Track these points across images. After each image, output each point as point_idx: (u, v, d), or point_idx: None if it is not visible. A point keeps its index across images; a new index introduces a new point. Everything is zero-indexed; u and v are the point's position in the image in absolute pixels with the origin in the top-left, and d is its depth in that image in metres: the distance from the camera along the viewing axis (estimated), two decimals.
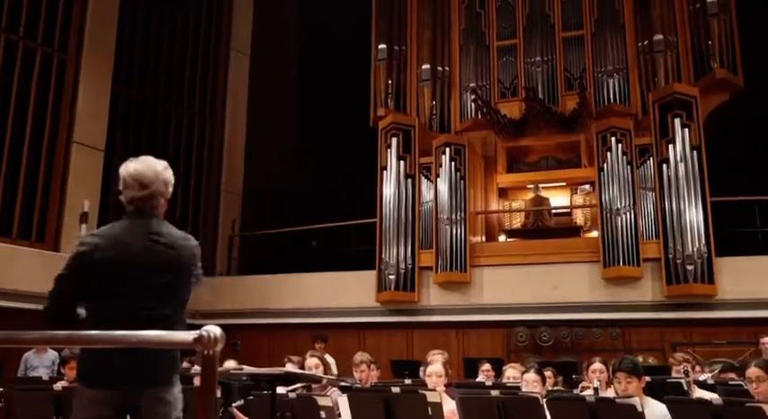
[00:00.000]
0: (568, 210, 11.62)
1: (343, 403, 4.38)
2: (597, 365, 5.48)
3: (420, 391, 4.11)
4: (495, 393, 4.04)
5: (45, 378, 5.88)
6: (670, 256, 9.43)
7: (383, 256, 10.56)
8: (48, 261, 9.22)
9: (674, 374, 5.28)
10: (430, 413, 4.08)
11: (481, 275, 10.38)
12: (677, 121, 9.72)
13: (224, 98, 12.97)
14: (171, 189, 2.88)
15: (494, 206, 11.72)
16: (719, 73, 10.66)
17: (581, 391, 5.68)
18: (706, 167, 9.56)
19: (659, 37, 11.06)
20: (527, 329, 10.03)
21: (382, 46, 12.49)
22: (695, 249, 9.29)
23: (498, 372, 8.37)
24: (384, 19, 12.72)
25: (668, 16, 11.24)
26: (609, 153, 9.99)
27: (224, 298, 11.75)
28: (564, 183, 11.69)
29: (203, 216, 12.47)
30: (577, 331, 9.79)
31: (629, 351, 9.52)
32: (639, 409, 3.61)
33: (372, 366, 6.07)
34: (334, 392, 5.04)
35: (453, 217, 10.42)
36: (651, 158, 9.91)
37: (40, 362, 7.98)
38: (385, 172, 10.96)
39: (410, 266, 10.49)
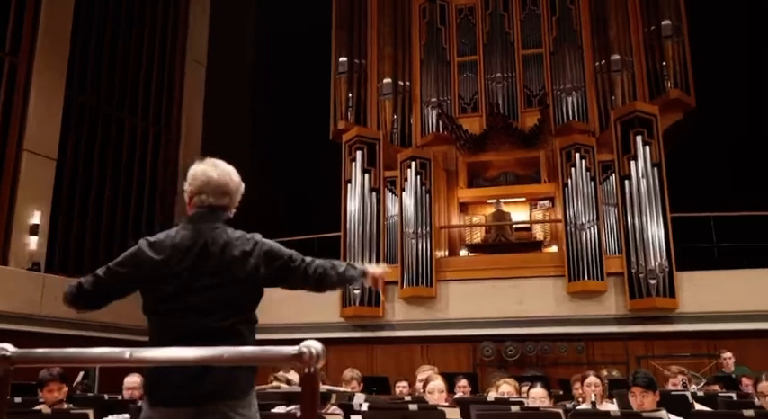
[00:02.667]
0: (528, 225, 11.76)
1: None
2: (592, 378, 5.45)
3: (438, 407, 4.01)
4: (515, 409, 3.97)
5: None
6: (633, 271, 9.62)
7: None
8: None
9: (669, 387, 5.34)
10: None
11: (447, 290, 10.36)
12: (639, 139, 9.98)
13: (179, 108, 12.61)
14: (240, 192, 2.72)
15: (455, 220, 11.74)
16: (673, 93, 11.00)
17: (574, 405, 5.67)
18: (666, 183, 9.83)
19: (616, 57, 11.36)
20: (493, 343, 10.04)
21: (343, 59, 12.41)
22: (657, 264, 9.51)
23: (475, 388, 8.35)
24: (344, 32, 12.65)
25: (624, 37, 11.56)
26: (573, 169, 10.16)
27: None
28: (524, 199, 11.81)
29: (158, 228, 12.00)
30: (543, 345, 9.86)
31: (593, 364, 9.65)
32: None
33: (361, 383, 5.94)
34: (334, 409, 4.88)
35: (419, 231, 10.39)
36: (613, 174, 10.12)
37: None
38: (349, 185, 10.85)
39: None
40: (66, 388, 4.75)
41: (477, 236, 11.76)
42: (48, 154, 10.26)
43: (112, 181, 11.46)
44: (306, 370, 1.75)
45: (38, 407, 4.68)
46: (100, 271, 2.55)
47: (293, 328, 10.50)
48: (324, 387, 4.17)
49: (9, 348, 1.82)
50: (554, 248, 11.16)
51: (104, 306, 2.65)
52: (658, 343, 9.69)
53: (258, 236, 2.59)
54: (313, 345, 1.75)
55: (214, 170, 2.65)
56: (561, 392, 7.51)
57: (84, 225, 11.02)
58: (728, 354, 8.29)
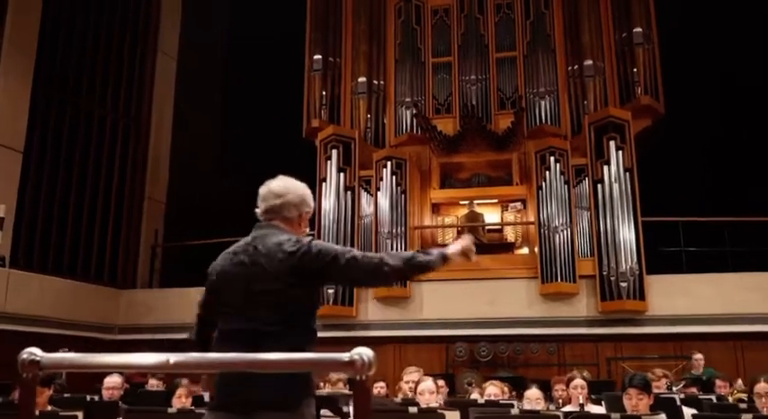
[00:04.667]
0: (499, 227, 11.85)
1: None
2: (579, 381, 5.51)
3: (439, 411, 4.01)
4: (514, 412, 4.00)
5: None
6: (604, 273, 9.78)
7: None
8: None
9: (653, 390, 5.42)
10: None
11: (421, 290, 10.39)
12: (612, 144, 10.14)
13: (150, 102, 12.37)
14: (306, 204, 2.76)
15: (427, 221, 11.77)
16: (644, 99, 11.19)
17: (558, 407, 5.74)
18: (638, 188, 10.02)
19: (589, 62, 11.52)
20: (466, 344, 10.10)
21: (317, 56, 12.32)
22: (628, 267, 9.69)
23: (452, 389, 8.40)
24: (319, 29, 12.56)
25: (597, 43, 11.73)
26: (548, 172, 10.28)
27: (148, 312, 11.18)
28: (495, 200, 11.90)
29: (126, 224, 11.81)
30: (516, 346, 9.95)
31: (563, 366, 9.80)
32: None
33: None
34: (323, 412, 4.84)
35: (394, 231, 10.39)
36: (587, 178, 10.27)
37: None
38: (324, 184, 10.79)
39: None
40: (48, 392, 4.62)
41: (449, 237, 11.80)
42: (14, 146, 9.98)
43: (80, 174, 11.20)
44: (357, 378, 1.74)
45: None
46: None
47: None
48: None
49: (38, 352, 1.77)
50: (525, 250, 11.27)
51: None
52: (627, 344, 9.87)
53: (307, 239, 2.57)
54: (365, 353, 1.74)
55: (271, 182, 2.77)
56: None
57: (50, 219, 10.74)
58: (699, 356, 8.49)
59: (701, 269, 10.04)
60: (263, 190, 2.74)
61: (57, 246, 10.80)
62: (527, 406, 4.62)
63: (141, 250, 11.91)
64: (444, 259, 2.68)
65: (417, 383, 5.11)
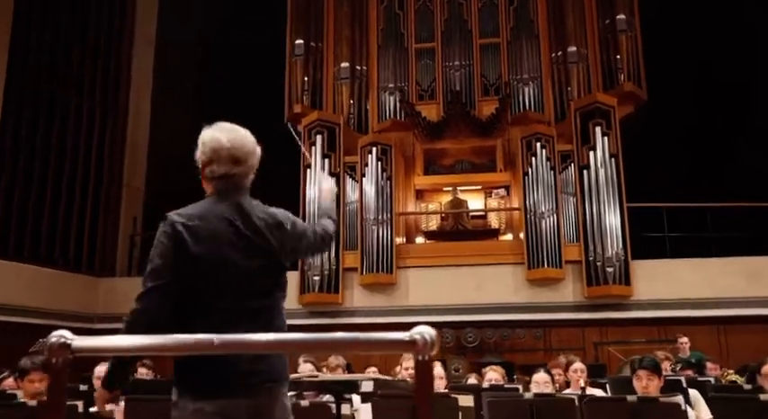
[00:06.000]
0: (483, 213, 11.84)
1: (365, 410, 4.13)
2: (579, 364, 5.53)
3: (452, 395, 3.96)
4: (528, 396, 3.96)
5: None
6: (590, 259, 9.83)
7: None
8: None
9: None
10: (460, 417, 3.95)
11: (407, 276, 10.34)
12: (598, 130, 10.16)
13: (127, 88, 12.09)
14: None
15: (411, 207, 11.71)
16: (627, 86, 11.24)
17: (557, 391, 5.73)
18: (623, 174, 10.06)
19: (573, 49, 11.52)
20: (452, 330, 10.08)
21: (299, 41, 12.15)
22: (614, 252, 9.74)
23: None
24: (300, 14, 12.39)
25: (580, 30, 11.74)
26: (534, 158, 10.27)
27: (128, 301, 10.92)
28: (479, 187, 11.88)
29: (103, 212, 11.55)
30: (502, 331, 9.96)
31: (550, 350, 9.84)
32: (683, 407, 3.66)
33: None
34: (327, 398, 4.77)
35: (380, 217, 10.31)
36: (573, 164, 10.29)
37: None
38: (309, 170, 10.66)
39: (334, 267, 10.26)
40: (48, 380, 4.47)
41: (433, 223, 11.77)
42: None
43: (57, 162, 10.91)
44: (419, 358, 1.66)
45: (20, 400, 4.39)
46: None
47: None
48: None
49: (68, 335, 1.66)
50: (509, 236, 11.28)
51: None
52: (613, 329, 9.94)
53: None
54: (426, 331, 1.66)
55: (225, 135, 2.50)
56: (527, 378, 7.61)
57: (26, 207, 10.46)
58: (685, 339, 8.56)
59: (684, 254, 10.14)
60: (246, 145, 2.49)
61: (33, 234, 10.53)
62: (535, 390, 4.60)
63: (120, 238, 11.67)
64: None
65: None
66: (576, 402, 3.90)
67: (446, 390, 4.69)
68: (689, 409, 3.92)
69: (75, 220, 11.10)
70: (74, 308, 10.60)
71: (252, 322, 2.26)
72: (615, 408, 3.78)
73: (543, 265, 9.89)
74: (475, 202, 11.87)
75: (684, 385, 4.73)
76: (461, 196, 11.60)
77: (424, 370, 1.72)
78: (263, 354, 2.25)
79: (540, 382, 4.58)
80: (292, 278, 10.18)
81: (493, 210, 11.56)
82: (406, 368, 5.80)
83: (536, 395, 3.96)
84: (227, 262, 2.33)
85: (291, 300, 10.27)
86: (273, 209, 2.52)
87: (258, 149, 2.54)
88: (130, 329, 2.26)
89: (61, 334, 1.65)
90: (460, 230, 11.12)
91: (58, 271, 10.54)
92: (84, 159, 11.35)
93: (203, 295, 2.33)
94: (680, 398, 3.67)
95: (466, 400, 3.95)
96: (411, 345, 1.66)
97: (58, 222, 10.83)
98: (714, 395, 3.66)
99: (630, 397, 3.79)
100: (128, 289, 11.50)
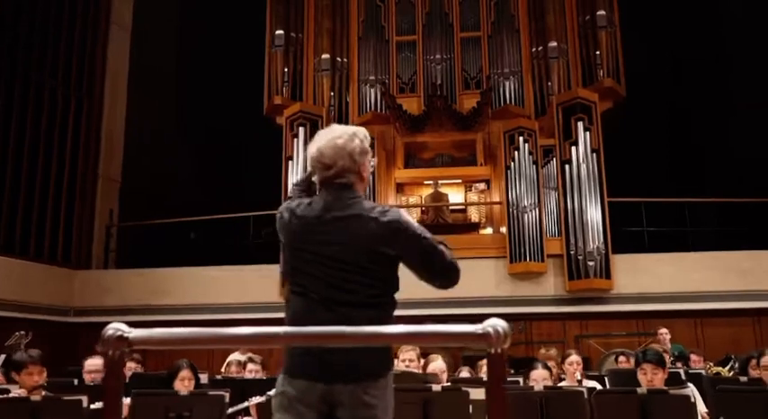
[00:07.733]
0: (463, 207, 11.87)
1: None
2: (575, 357, 5.58)
3: (463, 389, 3.95)
4: (538, 388, 3.98)
5: None
6: (572, 253, 9.92)
7: None
8: None
9: None
10: (471, 411, 3.94)
11: None
12: (580, 124, 10.24)
13: (102, 76, 11.81)
14: (366, 157, 2.63)
15: (391, 200, 11.67)
16: (606, 82, 11.35)
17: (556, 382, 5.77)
18: (604, 169, 10.17)
19: (553, 44, 11.59)
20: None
21: (279, 32, 12.02)
22: (595, 246, 9.84)
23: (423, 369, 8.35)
24: (280, 3, 12.24)
25: (561, 25, 11.81)
26: (516, 152, 10.31)
27: (105, 294, 10.77)
28: (459, 181, 11.90)
29: (79, 203, 11.29)
30: None
31: (531, 343, 9.92)
32: (693, 399, 3.71)
33: None
34: None
35: None
36: (554, 159, 10.36)
37: None
38: (291, 162, 10.57)
39: None
40: (45, 373, 4.36)
41: (414, 216, 11.76)
42: None
43: (30, 151, 10.62)
44: (492, 351, 1.65)
45: (15, 393, 4.27)
46: None
47: (233, 308, 10.19)
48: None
49: (125, 328, 1.61)
50: (489, 230, 11.33)
51: None
52: (593, 322, 10.04)
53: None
54: (499, 324, 1.65)
55: (315, 144, 2.58)
56: (512, 371, 7.65)
57: (0, 197, 10.19)
58: (665, 330, 8.66)
59: (662, 248, 10.28)
60: (328, 151, 2.56)
61: (7, 225, 10.26)
62: (534, 387, 4.60)
63: (96, 229, 11.43)
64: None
65: (427, 362, 5.06)
66: (585, 395, 3.92)
67: (449, 384, 4.68)
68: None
69: (50, 211, 10.83)
70: (49, 301, 10.37)
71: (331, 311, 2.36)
72: (625, 401, 3.81)
73: (525, 259, 9.95)
74: (455, 196, 11.90)
75: (684, 377, 4.80)
76: (442, 190, 11.61)
77: (496, 363, 1.70)
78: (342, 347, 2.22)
79: (539, 379, 4.58)
80: (273, 271, 10.12)
81: (473, 204, 11.59)
82: (403, 360, 5.77)
83: (545, 387, 3.97)
84: (307, 254, 2.51)
85: (274, 294, 10.20)
86: (364, 205, 2.56)
87: (351, 144, 2.57)
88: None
89: (117, 327, 1.60)
90: (441, 224, 11.13)
91: (33, 262, 10.29)
92: (59, 149, 11.06)
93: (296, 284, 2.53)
94: (689, 390, 3.71)
95: (477, 393, 3.94)
96: (483, 338, 1.65)
97: (32, 213, 10.56)
98: (723, 387, 3.70)
99: (641, 390, 3.82)
100: (105, 281, 11.33)
